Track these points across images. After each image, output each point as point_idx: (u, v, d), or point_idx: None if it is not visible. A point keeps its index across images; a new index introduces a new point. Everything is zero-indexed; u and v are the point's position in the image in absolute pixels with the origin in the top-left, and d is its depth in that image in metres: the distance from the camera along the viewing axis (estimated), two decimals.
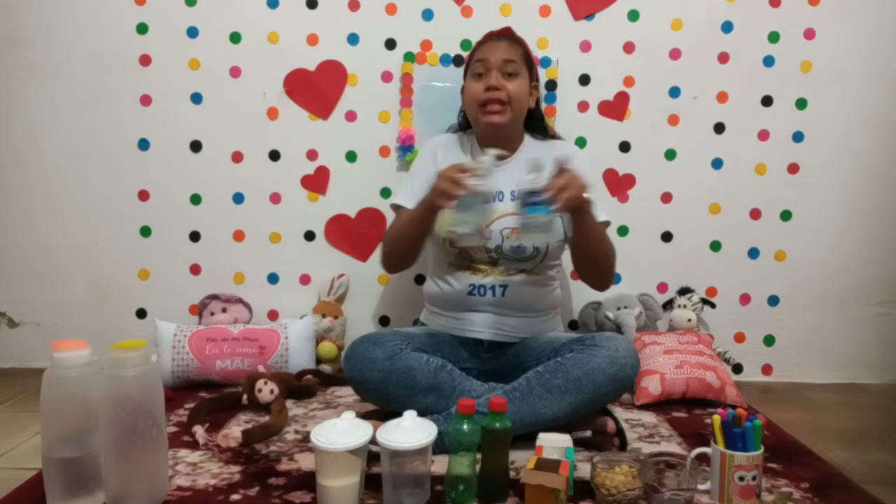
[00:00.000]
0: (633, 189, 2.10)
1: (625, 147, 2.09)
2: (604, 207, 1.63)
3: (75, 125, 2.06)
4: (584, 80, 2.07)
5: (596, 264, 1.58)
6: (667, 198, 2.11)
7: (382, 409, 1.53)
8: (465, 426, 1.18)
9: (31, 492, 1.20)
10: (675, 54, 2.06)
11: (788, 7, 2.02)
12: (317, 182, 2.10)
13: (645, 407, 1.75)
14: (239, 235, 2.11)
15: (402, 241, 1.59)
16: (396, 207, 1.68)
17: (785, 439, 1.56)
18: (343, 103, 2.07)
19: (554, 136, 1.78)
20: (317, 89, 2.06)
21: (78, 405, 1.12)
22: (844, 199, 2.09)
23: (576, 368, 1.41)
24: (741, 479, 1.16)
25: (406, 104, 2.05)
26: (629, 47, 2.06)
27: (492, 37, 1.69)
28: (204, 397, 1.72)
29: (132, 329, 2.08)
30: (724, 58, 2.05)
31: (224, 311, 2.01)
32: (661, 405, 1.76)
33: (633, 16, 2.04)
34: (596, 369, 1.41)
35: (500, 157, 1.54)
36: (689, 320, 2.03)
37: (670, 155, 2.09)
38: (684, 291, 2.08)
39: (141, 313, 2.11)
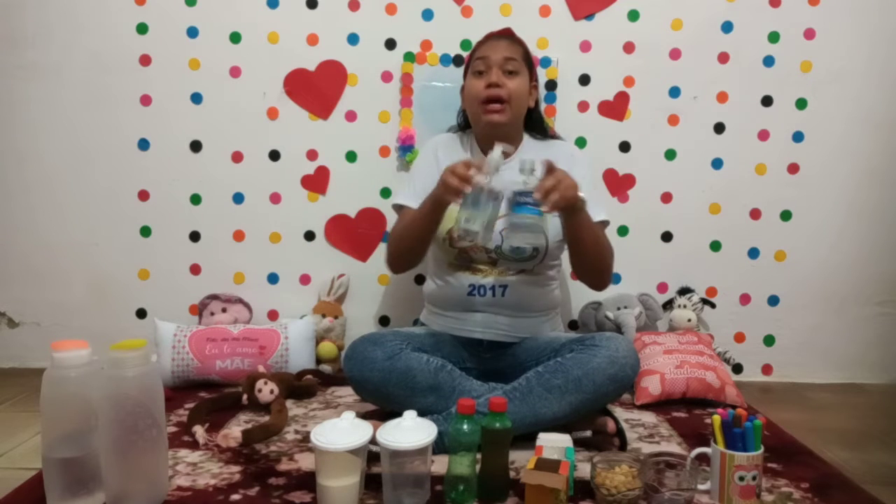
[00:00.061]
0: (633, 189, 2.10)
1: (625, 147, 2.09)
2: (603, 207, 1.63)
3: (75, 125, 2.06)
4: (584, 80, 2.07)
5: (592, 264, 1.57)
6: (667, 198, 2.11)
7: (382, 409, 1.53)
8: (465, 426, 1.18)
9: (31, 492, 1.20)
10: (675, 54, 2.05)
11: (788, 7, 2.02)
12: (317, 182, 2.10)
13: (645, 407, 1.75)
14: (239, 235, 2.11)
15: (408, 239, 1.58)
16: (399, 208, 1.67)
17: (785, 439, 1.56)
18: (343, 103, 2.07)
19: (554, 137, 1.78)
20: (317, 89, 2.06)
21: (78, 405, 1.12)
22: (844, 199, 2.09)
23: (576, 368, 1.41)
24: (741, 479, 1.16)
25: (406, 104, 2.05)
26: (629, 47, 2.06)
27: (492, 36, 1.69)
28: (204, 397, 1.72)
29: (132, 329, 2.08)
30: (724, 58, 2.05)
31: (224, 311, 2.01)
32: (661, 405, 1.76)
33: (633, 16, 2.04)
34: (596, 369, 1.41)
35: (506, 154, 1.53)
36: (689, 320, 2.03)
37: (670, 155, 2.09)
38: (684, 291, 2.08)
39: (141, 313, 2.11)
